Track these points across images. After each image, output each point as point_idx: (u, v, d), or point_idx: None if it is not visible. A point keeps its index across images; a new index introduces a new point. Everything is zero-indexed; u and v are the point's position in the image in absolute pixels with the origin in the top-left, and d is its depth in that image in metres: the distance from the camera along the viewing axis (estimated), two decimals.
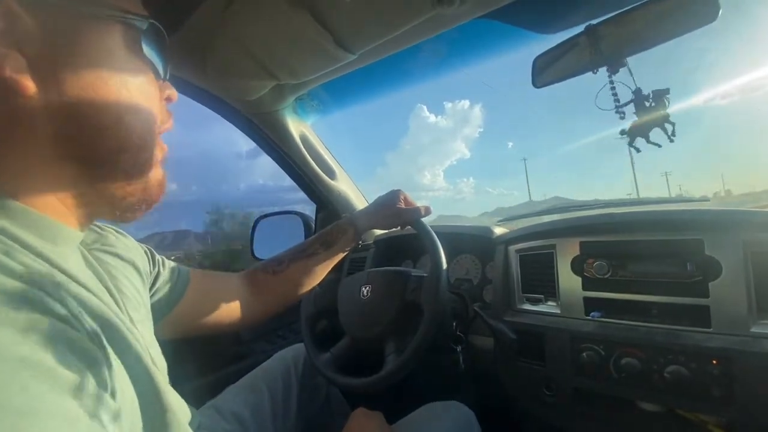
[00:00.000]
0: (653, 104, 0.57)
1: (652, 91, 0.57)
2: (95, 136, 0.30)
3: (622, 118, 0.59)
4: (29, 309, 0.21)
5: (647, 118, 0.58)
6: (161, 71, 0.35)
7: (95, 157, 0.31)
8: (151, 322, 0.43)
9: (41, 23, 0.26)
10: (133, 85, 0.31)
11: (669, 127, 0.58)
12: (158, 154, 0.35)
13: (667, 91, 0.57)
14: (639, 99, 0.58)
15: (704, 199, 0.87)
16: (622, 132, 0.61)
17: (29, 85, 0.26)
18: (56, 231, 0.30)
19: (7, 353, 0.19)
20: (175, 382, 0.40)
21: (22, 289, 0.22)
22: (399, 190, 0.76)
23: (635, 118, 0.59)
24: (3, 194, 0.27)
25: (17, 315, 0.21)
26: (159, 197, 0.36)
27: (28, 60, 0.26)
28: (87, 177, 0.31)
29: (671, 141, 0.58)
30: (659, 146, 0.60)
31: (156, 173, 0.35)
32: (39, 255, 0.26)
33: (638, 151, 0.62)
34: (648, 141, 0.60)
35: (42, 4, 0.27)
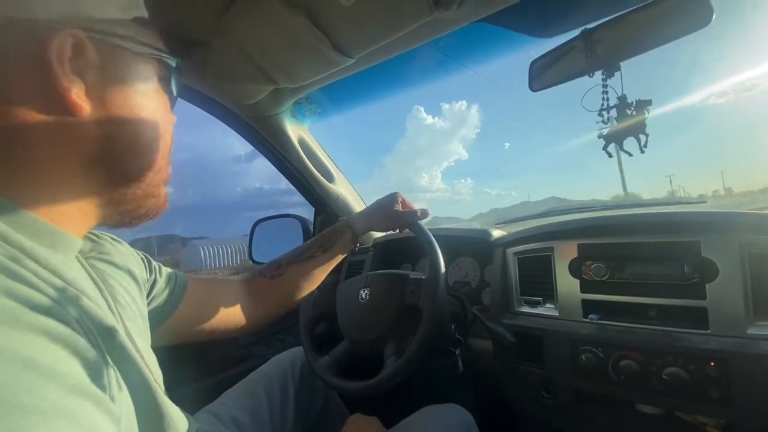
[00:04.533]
0: (634, 113, 0.58)
1: (636, 101, 0.58)
2: (131, 155, 0.34)
3: (605, 122, 0.61)
4: (35, 313, 0.22)
5: (625, 125, 0.59)
6: (173, 103, 0.41)
7: (125, 172, 0.35)
8: (148, 331, 0.43)
9: (100, 56, 0.31)
10: (161, 113, 0.37)
11: (643, 138, 0.59)
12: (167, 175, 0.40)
13: (649, 102, 0.58)
14: (622, 106, 0.59)
15: (701, 200, 0.87)
16: (599, 135, 0.63)
17: (85, 108, 0.30)
18: (58, 238, 0.31)
19: (14, 353, 0.20)
20: (172, 387, 0.40)
21: (28, 293, 0.23)
22: (397, 193, 0.76)
23: (615, 123, 0.60)
24: (9, 201, 0.28)
25: (24, 318, 0.21)
26: (162, 211, 0.40)
27: (87, 86, 0.30)
28: (111, 187, 0.34)
29: (642, 152, 0.60)
30: (630, 155, 0.62)
31: (165, 190, 0.40)
32: (42, 262, 0.27)
33: (610, 156, 0.63)
34: (621, 148, 0.62)
35: (103, 41, 0.31)
